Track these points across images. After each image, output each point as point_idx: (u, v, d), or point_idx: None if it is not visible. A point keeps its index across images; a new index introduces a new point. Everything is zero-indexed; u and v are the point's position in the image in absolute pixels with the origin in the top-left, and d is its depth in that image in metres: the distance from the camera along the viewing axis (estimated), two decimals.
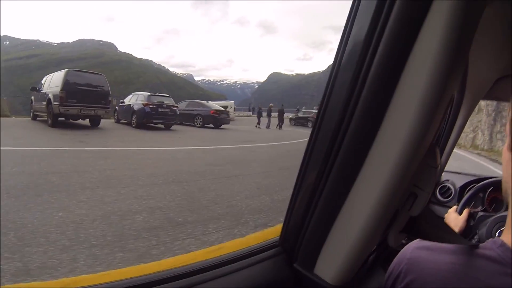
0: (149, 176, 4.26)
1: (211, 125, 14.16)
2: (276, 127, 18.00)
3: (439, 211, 1.47)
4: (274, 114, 19.19)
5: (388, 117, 0.42)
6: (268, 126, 18.25)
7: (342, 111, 0.46)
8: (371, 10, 0.41)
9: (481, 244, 0.45)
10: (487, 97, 1.26)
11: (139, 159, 5.53)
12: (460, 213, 1.19)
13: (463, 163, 9.97)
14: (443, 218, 1.10)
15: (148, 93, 12.09)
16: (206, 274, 0.50)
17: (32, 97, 10.97)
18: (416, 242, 0.52)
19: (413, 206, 0.51)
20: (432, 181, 0.50)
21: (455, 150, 1.55)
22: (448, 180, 1.57)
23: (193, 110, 14.75)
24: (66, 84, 9.10)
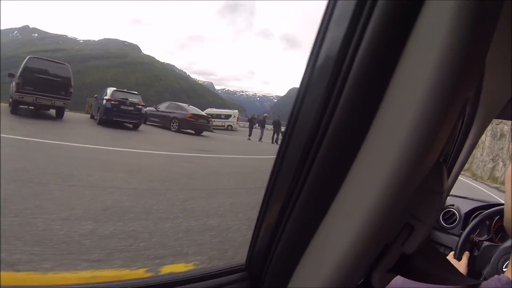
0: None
1: (192, 131, 12.62)
2: (272, 141, 15.45)
3: (441, 238, 1.36)
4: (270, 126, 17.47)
5: (377, 124, 0.33)
6: (260, 139, 15.93)
7: (316, 123, 0.37)
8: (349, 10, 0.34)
9: (483, 283, 0.40)
10: (501, 115, 1.16)
11: (58, 154, 5.00)
12: (459, 259, 1.06)
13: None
14: (445, 255, 0.98)
15: (114, 89, 11.32)
16: None
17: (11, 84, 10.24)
18: (401, 283, 0.45)
19: (407, 241, 0.41)
20: (435, 211, 0.39)
21: (469, 181, 1.45)
22: (453, 205, 1.46)
23: (171, 112, 13.15)
24: (25, 71, 8.64)
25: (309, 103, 0.39)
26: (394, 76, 0.32)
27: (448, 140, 0.38)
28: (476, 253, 1.11)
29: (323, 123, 0.36)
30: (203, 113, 14.04)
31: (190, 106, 14.86)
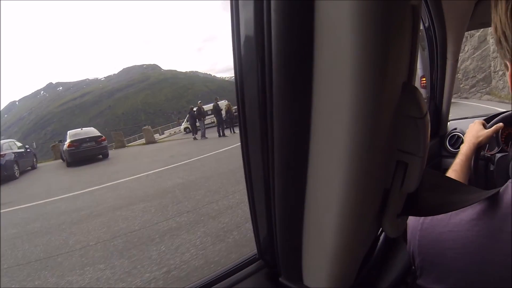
0: None
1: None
2: (219, 133, 11.54)
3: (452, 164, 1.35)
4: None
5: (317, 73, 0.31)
6: (203, 135, 11.80)
7: (261, 111, 0.37)
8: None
9: (501, 189, 0.37)
10: (472, 26, 1.13)
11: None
12: (476, 181, 1.01)
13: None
14: (452, 179, 0.95)
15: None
16: None
17: None
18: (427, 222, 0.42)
19: (405, 179, 0.37)
20: (422, 138, 0.35)
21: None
22: (455, 129, 1.43)
23: (63, 144, 11.13)
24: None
25: (248, 96, 0.39)
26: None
27: (410, 60, 0.36)
28: (492, 168, 1.09)
29: (267, 108, 0.36)
30: (94, 133, 11.48)
31: (83, 129, 12.30)
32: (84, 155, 10.20)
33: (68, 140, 10.46)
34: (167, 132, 24.91)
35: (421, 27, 1.21)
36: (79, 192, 5.26)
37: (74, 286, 2.18)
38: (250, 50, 0.36)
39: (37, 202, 4.93)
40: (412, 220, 0.47)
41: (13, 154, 9.01)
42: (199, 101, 13.75)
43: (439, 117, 1.41)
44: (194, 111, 12.69)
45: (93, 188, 5.36)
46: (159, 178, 5.47)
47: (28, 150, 10.68)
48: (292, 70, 0.32)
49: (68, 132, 11.59)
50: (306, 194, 0.37)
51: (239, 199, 3.39)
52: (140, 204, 3.86)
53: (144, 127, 16.04)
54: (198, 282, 0.52)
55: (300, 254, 0.43)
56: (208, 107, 15.41)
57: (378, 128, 0.32)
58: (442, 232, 0.40)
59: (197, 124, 12.47)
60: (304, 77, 0.32)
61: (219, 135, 11.39)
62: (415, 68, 0.38)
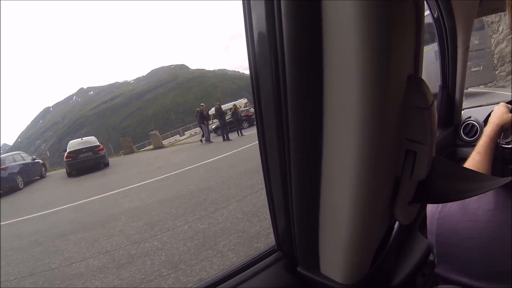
0: None
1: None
2: (223, 137, 10.79)
3: (468, 154, 1.33)
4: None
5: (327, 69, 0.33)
6: (208, 139, 11.21)
7: (276, 108, 0.39)
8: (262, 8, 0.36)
9: None
10: (482, 13, 1.11)
11: None
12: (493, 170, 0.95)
13: None
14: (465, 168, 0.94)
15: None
16: None
17: None
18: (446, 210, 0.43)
19: (414, 167, 0.39)
20: (429, 127, 0.37)
21: None
22: (470, 117, 1.40)
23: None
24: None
25: (264, 96, 0.40)
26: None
27: (415, 53, 0.37)
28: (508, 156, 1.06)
29: (282, 108, 0.38)
30: (92, 143, 11.58)
31: (84, 138, 12.86)
32: (83, 165, 10.48)
33: (67, 151, 10.82)
34: (187, 133, 23.98)
35: (430, 18, 1.20)
36: (46, 212, 5.08)
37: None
38: (263, 48, 0.37)
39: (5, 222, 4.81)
40: (430, 210, 0.47)
41: (18, 166, 9.53)
42: (202, 104, 12.45)
43: (453, 106, 1.39)
44: (203, 112, 11.87)
45: (61, 207, 5.15)
46: (124, 197, 5.07)
47: (35, 161, 11.24)
48: (303, 66, 0.34)
49: (70, 142, 11.84)
50: (321, 186, 0.39)
51: (165, 241, 2.82)
52: (78, 234, 3.52)
53: (151, 132, 15.58)
54: (218, 274, 0.53)
55: (317, 244, 0.45)
56: (227, 106, 15.36)
57: (386, 119, 0.34)
58: (459, 221, 0.40)
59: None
60: (315, 72, 0.34)
61: (223, 139, 10.70)
62: (421, 60, 0.39)
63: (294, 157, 0.39)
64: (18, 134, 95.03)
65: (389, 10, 0.30)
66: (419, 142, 0.38)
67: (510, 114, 0.93)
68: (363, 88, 0.31)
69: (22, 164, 9.93)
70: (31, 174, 10.31)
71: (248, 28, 0.39)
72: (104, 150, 11.63)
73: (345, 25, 0.30)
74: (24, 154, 11.24)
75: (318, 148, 0.37)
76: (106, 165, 11.23)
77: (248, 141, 8.64)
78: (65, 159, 10.62)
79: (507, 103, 1.01)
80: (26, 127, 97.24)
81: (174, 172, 6.54)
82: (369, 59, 0.30)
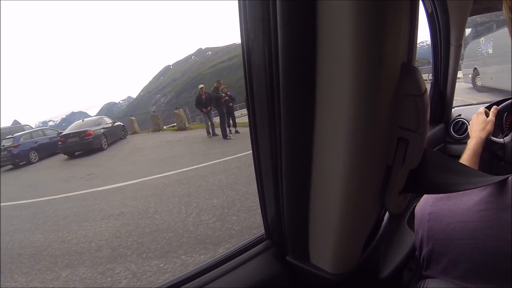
0: None
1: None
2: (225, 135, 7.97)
3: (458, 151, 1.33)
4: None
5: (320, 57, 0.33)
6: (213, 132, 8.61)
7: (269, 97, 0.38)
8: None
9: (510, 177, 0.36)
10: (476, 11, 1.12)
11: None
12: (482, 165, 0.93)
13: None
14: (457, 157, 0.93)
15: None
16: (202, 278, 0.48)
17: None
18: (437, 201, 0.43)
19: (406, 155, 0.38)
20: (421, 114, 0.36)
21: None
22: (460, 115, 1.42)
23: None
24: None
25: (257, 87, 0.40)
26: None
27: (409, 42, 0.37)
28: (500, 154, 1.08)
29: (275, 95, 0.37)
30: (80, 128, 11.37)
31: (85, 119, 12.89)
32: (72, 150, 10.78)
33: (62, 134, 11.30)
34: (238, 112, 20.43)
35: (424, 13, 1.20)
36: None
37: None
38: (258, 46, 0.37)
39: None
40: (419, 210, 0.46)
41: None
42: (200, 85, 9.53)
43: (443, 103, 1.41)
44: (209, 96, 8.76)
45: (24, 202, 4.42)
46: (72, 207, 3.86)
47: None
48: (297, 54, 0.34)
49: (72, 124, 12.29)
50: (312, 174, 0.38)
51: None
52: None
53: (176, 111, 13.13)
54: (206, 262, 0.53)
55: (307, 232, 0.44)
56: None
57: (379, 106, 0.34)
58: (449, 222, 0.40)
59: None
60: (308, 60, 0.33)
61: (223, 136, 8.07)
62: (414, 49, 0.39)
63: (285, 145, 0.39)
64: (141, 88, 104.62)
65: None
66: (412, 130, 0.37)
67: (491, 121, 0.92)
68: (356, 75, 0.31)
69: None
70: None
71: (243, 27, 0.38)
72: (92, 136, 11.14)
73: (339, 12, 0.30)
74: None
75: (309, 135, 0.36)
76: (98, 150, 10.88)
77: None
78: (58, 142, 10.97)
79: (486, 107, 1.02)
80: (148, 82, 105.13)
81: (147, 178, 4.80)
82: (363, 47, 0.30)
